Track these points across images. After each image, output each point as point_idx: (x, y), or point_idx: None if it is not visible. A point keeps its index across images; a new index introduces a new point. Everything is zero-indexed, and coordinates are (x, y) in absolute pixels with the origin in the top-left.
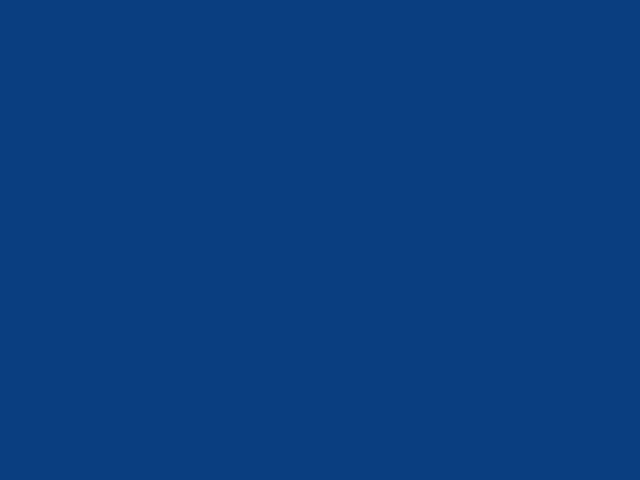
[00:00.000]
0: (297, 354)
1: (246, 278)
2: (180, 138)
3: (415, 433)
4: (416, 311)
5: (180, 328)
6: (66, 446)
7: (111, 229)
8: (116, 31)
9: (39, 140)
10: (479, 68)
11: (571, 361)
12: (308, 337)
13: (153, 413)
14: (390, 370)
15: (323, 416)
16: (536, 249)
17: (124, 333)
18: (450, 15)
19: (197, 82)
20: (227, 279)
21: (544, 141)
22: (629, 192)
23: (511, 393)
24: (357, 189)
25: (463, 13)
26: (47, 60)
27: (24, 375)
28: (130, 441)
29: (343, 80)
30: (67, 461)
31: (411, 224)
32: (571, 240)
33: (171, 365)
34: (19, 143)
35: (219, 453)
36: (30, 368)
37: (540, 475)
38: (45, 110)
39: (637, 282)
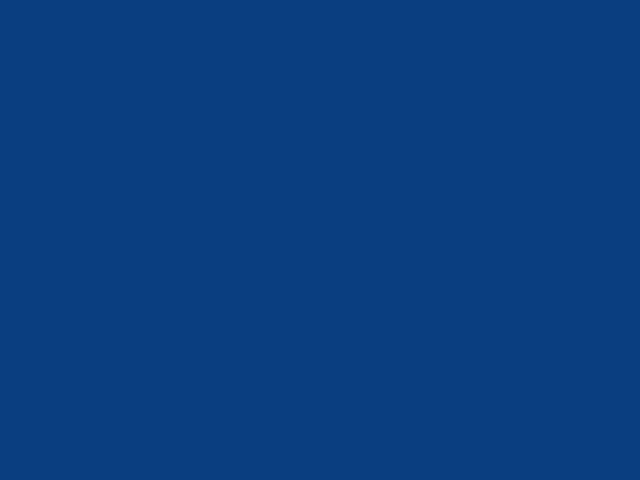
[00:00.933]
0: (297, 354)
1: (246, 278)
2: (180, 138)
3: (415, 433)
4: (416, 311)
5: (180, 328)
6: (66, 446)
7: (111, 229)
8: (116, 31)
9: (39, 140)
10: (479, 68)
11: (571, 361)
12: (308, 337)
13: (153, 413)
14: (390, 370)
15: (323, 416)
16: (536, 249)
17: (124, 333)
18: (450, 15)
19: (197, 82)
20: (227, 279)
21: (544, 141)
22: (629, 192)
23: (511, 393)
24: (357, 189)
25: (463, 13)
26: (47, 60)
27: (24, 375)
28: (130, 441)
29: (343, 80)
30: (67, 461)
31: (411, 224)
32: (571, 240)
33: (171, 365)
34: (19, 143)
35: (219, 453)
36: (30, 368)
37: (540, 475)
38: (45, 110)
39: (637, 282)
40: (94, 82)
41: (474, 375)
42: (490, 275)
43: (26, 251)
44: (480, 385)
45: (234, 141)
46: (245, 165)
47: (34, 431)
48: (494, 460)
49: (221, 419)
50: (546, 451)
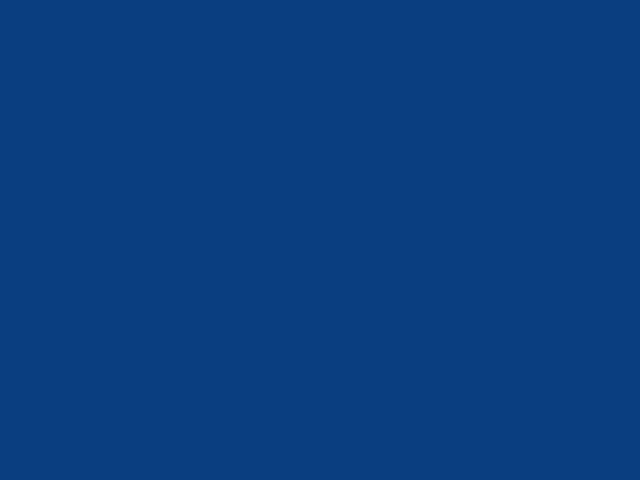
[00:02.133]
0: (297, 354)
1: (246, 278)
2: (180, 138)
3: (415, 433)
4: (416, 311)
5: (180, 328)
6: (66, 446)
7: (111, 229)
8: (116, 31)
9: (39, 140)
10: (479, 68)
11: (571, 361)
12: (308, 337)
13: (153, 413)
14: (390, 370)
15: (323, 416)
16: (536, 249)
17: (124, 333)
18: (450, 15)
19: (197, 82)
20: (227, 279)
21: (544, 141)
22: (629, 192)
23: (511, 393)
24: (357, 189)
25: (463, 13)
26: (47, 60)
27: (24, 375)
28: (130, 441)
29: (343, 80)
30: (67, 461)
31: (411, 224)
32: (571, 240)
33: (171, 365)
34: (19, 143)
35: (219, 453)
36: (30, 368)
37: (540, 475)
38: (45, 110)
39: (637, 282)
40: (94, 82)
41: (474, 375)
42: (490, 275)
43: (26, 251)
44: (480, 385)
45: (234, 141)
46: (245, 165)
47: (34, 431)
48: (494, 460)
49: (221, 419)
50: (546, 451)
